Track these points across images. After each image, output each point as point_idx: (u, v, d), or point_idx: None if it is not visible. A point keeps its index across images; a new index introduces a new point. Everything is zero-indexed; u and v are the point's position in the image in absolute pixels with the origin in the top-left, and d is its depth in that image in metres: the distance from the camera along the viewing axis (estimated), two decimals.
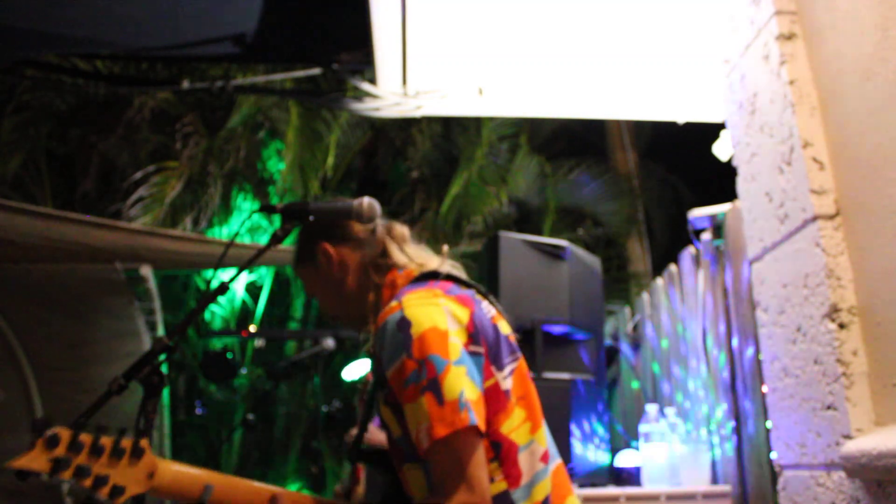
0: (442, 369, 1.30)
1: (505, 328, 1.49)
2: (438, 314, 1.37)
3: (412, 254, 1.60)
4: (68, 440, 1.22)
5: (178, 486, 1.31)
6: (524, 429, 1.40)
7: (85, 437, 1.23)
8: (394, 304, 1.41)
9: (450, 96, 3.28)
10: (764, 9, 1.91)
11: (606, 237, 9.01)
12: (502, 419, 1.37)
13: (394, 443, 1.44)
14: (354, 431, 1.84)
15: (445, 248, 1.65)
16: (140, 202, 7.20)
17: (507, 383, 1.41)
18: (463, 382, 1.31)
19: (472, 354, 1.37)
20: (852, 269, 1.65)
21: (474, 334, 1.39)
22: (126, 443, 1.26)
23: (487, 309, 1.49)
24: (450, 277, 1.53)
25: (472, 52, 3.06)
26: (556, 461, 1.45)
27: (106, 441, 1.25)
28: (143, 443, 1.27)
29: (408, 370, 1.32)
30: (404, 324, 1.35)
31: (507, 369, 1.42)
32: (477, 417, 1.30)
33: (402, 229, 1.65)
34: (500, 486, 1.35)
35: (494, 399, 1.38)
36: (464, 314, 1.41)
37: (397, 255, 1.58)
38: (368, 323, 1.55)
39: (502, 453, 1.36)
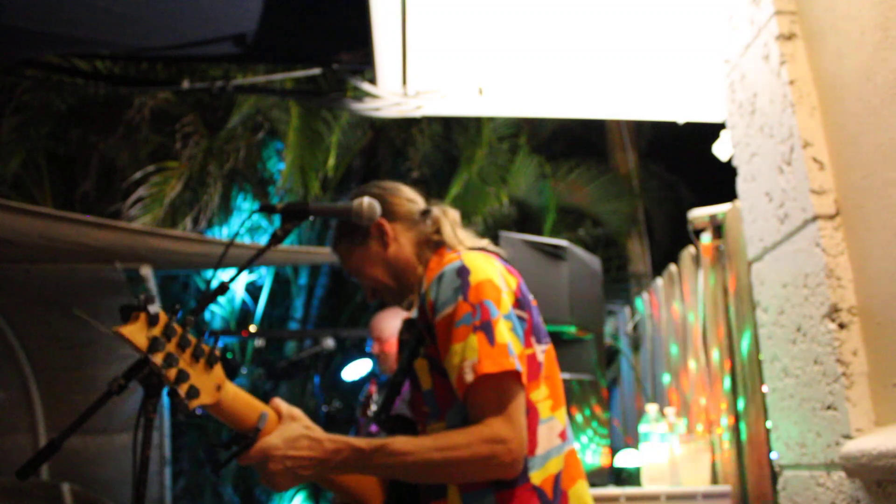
0: (495, 315, 1.36)
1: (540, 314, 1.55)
2: (494, 272, 1.44)
3: (462, 236, 1.66)
4: (165, 323, 1.18)
5: (238, 407, 1.31)
6: (546, 404, 1.44)
7: (177, 326, 1.20)
8: (453, 256, 1.48)
9: (450, 96, 3.28)
10: (764, 9, 1.90)
11: (606, 237, 8.99)
12: (533, 387, 1.42)
13: (419, 401, 1.48)
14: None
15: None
16: (140, 202, 7.18)
17: (541, 356, 1.47)
18: (510, 336, 1.37)
19: (518, 318, 1.43)
20: (852, 269, 1.65)
21: (521, 300, 1.47)
22: (206, 347, 1.24)
23: (528, 290, 1.55)
24: (498, 255, 1.60)
25: (471, 52, 3.06)
26: (572, 445, 1.48)
27: (192, 338, 1.22)
28: (218, 352, 1.25)
29: (461, 312, 1.37)
30: (464, 271, 1.41)
31: (543, 346, 1.48)
32: (521, 368, 1.35)
33: (454, 213, 1.70)
34: None
35: (530, 366, 1.43)
36: (513, 281, 1.49)
37: (450, 235, 1.63)
38: (411, 294, 1.61)
39: (527, 419, 1.39)
